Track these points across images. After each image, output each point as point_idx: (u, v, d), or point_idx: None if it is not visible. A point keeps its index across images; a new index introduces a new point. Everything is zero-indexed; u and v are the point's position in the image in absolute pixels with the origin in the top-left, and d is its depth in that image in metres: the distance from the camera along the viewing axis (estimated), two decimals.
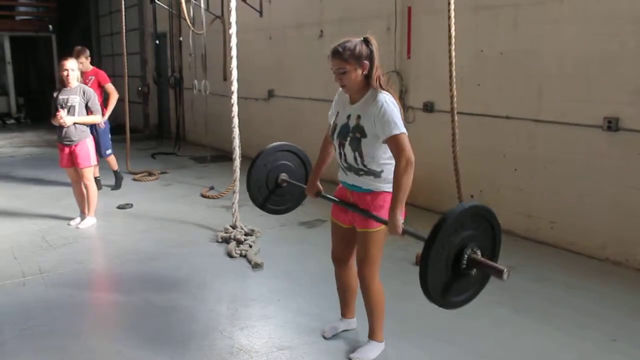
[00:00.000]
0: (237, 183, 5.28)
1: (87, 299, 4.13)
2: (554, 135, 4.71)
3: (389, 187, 2.84)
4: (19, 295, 4.00)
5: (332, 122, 3.00)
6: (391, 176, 2.80)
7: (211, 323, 3.54)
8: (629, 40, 4.14)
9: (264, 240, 5.05)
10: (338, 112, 2.97)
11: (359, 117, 2.81)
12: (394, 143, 2.71)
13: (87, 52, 6.80)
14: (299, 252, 4.84)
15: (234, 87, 5.03)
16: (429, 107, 5.82)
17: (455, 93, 4.22)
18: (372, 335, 3.09)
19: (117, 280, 4.40)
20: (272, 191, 3.49)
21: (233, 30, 4.90)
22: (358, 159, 2.82)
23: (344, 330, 3.37)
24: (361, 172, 2.86)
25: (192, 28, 8.13)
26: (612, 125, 4.27)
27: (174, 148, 9.82)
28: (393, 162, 2.79)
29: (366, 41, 2.75)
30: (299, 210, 5.82)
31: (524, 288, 4.01)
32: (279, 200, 3.54)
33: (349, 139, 2.84)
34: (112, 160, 7.06)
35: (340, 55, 2.73)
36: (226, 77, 9.18)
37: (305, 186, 3.34)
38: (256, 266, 4.42)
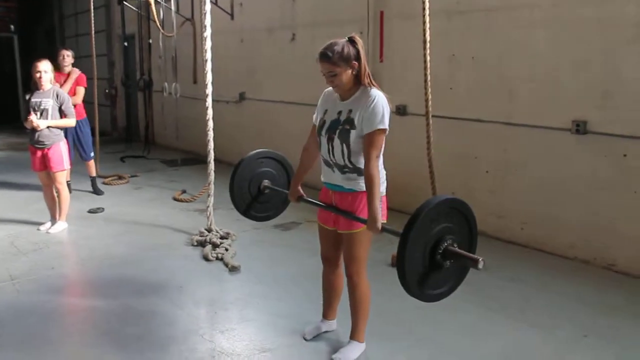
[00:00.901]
0: (212, 186, 5.26)
1: (62, 305, 4.06)
2: (525, 138, 4.83)
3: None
4: None
5: (319, 120, 3.02)
6: None
7: (191, 327, 3.53)
8: (597, 45, 4.28)
9: (239, 243, 5.04)
10: (327, 110, 2.99)
11: (350, 111, 2.85)
12: (372, 137, 2.75)
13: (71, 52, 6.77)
14: (274, 255, 4.85)
15: (209, 90, 5.02)
16: (401, 111, 5.89)
17: (430, 97, 4.30)
18: (354, 336, 3.12)
19: (92, 286, 4.33)
20: (255, 198, 3.51)
21: (208, 33, 4.89)
22: (345, 152, 2.85)
23: (325, 332, 3.39)
24: (346, 170, 2.89)
25: (162, 30, 8.06)
26: (580, 128, 4.40)
27: (144, 151, 9.70)
28: (379, 164, 2.85)
29: (352, 41, 2.79)
30: None
31: (497, 287, 4.10)
32: (261, 207, 3.56)
33: (338, 131, 2.86)
34: (92, 165, 6.98)
35: (329, 58, 2.76)
36: (196, 79, 9.14)
37: (287, 192, 3.35)
38: (233, 269, 4.42)
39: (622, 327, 3.49)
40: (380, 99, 2.78)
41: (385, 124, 2.77)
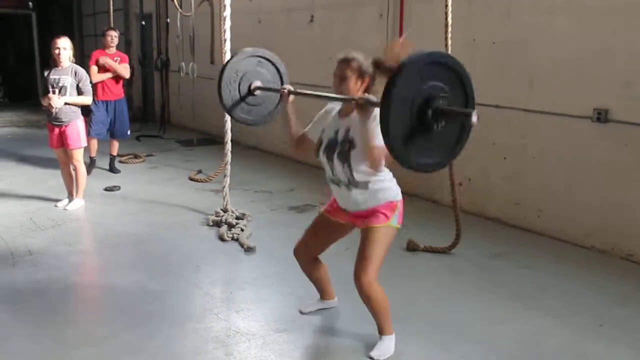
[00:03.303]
0: (228, 167, 5.28)
1: (79, 282, 4.12)
2: (544, 125, 4.78)
3: (383, 199, 2.89)
4: (9, 277, 3.95)
5: (317, 140, 3.02)
6: (381, 186, 2.88)
7: (207, 306, 3.56)
8: (622, 33, 4.20)
9: (255, 224, 5.06)
10: (324, 129, 3.00)
11: (347, 129, 2.85)
12: (371, 151, 2.69)
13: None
14: (290, 236, 4.76)
15: None
16: None
17: None
18: (382, 332, 3.04)
19: (109, 263, 4.38)
20: (244, 98, 3.39)
21: (227, 12, 4.87)
22: (347, 171, 2.85)
23: (323, 309, 3.45)
24: (351, 186, 2.89)
25: (179, 10, 8.04)
26: (601, 116, 4.35)
27: (159, 131, 9.72)
28: (381, 175, 2.86)
29: (375, 62, 2.78)
30: (289, 196, 5.97)
31: (512, 274, 4.10)
32: (248, 109, 3.43)
33: (337, 151, 2.87)
34: (117, 144, 7.08)
35: (347, 62, 2.82)
36: (213, 60, 9.11)
37: (277, 92, 3.27)
38: (249, 250, 4.44)
39: (638, 318, 3.47)
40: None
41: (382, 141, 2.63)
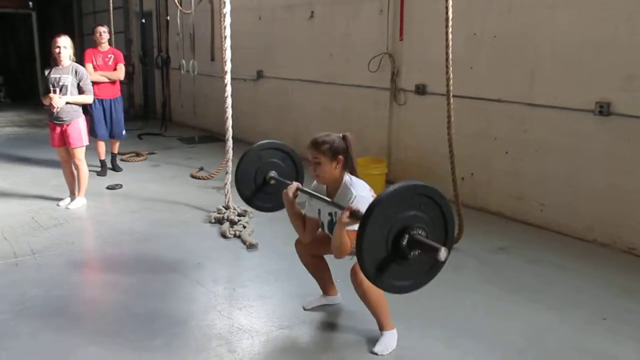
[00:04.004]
0: (230, 164, 5.27)
1: (82, 280, 4.13)
2: (546, 119, 4.77)
3: None
4: (12, 276, 3.97)
5: (315, 217, 3.12)
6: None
7: (210, 303, 3.57)
8: (623, 26, 4.19)
9: (256, 221, 5.05)
10: (319, 210, 3.09)
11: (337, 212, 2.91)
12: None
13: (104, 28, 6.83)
14: (291, 234, 4.77)
15: (228, 67, 5.01)
16: (420, 90, 5.84)
17: (451, 76, 4.24)
18: (382, 327, 3.06)
19: (112, 261, 4.38)
20: (260, 188, 3.54)
21: (227, 9, 4.86)
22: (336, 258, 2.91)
23: (325, 305, 3.45)
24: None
25: (179, 7, 8.03)
26: (603, 109, 4.33)
27: (160, 129, 9.73)
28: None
29: (344, 138, 2.93)
30: None
31: (516, 268, 4.09)
32: (266, 197, 3.59)
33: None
34: (117, 142, 7.06)
35: (317, 146, 2.92)
36: (214, 57, 9.12)
37: (287, 182, 3.37)
38: (251, 247, 4.44)
39: None
40: (361, 194, 2.83)
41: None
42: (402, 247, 2.39)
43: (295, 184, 3.17)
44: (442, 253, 2.33)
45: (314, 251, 3.32)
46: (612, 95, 4.31)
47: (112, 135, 6.90)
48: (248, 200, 3.58)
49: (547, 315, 3.41)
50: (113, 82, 6.74)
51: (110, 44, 6.94)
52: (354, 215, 2.63)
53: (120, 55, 6.89)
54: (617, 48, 4.24)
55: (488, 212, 5.27)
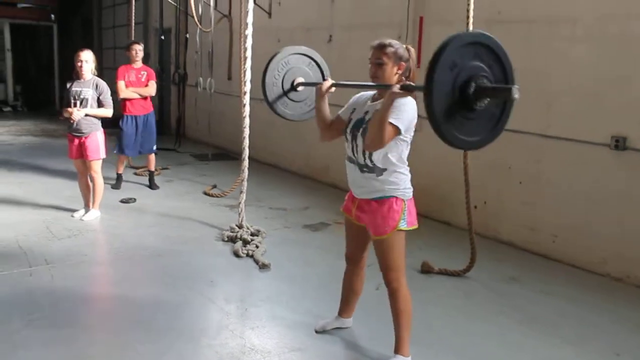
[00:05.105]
0: (245, 183, 5.31)
1: (95, 292, 4.16)
2: (561, 151, 4.79)
3: (393, 191, 2.92)
4: (25, 286, 4.00)
5: (347, 119, 3.07)
6: (396, 177, 2.92)
7: (222, 322, 3.57)
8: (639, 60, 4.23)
9: (269, 241, 5.07)
10: (355, 109, 3.06)
11: (377, 111, 2.87)
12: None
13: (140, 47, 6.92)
14: (304, 255, 4.88)
15: (247, 88, 5.07)
16: None
17: None
18: (398, 350, 3.06)
19: (125, 275, 4.40)
20: (286, 93, 3.48)
21: (249, 31, 4.94)
22: (367, 151, 2.89)
23: (337, 328, 3.45)
24: (365, 169, 2.93)
25: (199, 25, 8.16)
26: (619, 144, 4.35)
27: (175, 144, 9.81)
28: (399, 166, 2.92)
29: (407, 49, 2.95)
30: (303, 214, 5.99)
31: (528, 300, 4.08)
32: (291, 104, 3.52)
33: (362, 129, 2.92)
34: (153, 158, 7.08)
35: (383, 47, 2.88)
36: (231, 76, 9.22)
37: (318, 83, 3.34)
38: (263, 267, 4.45)
39: None
40: (409, 102, 2.81)
41: (399, 123, 2.75)
42: (469, 96, 2.36)
43: (330, 80, 3.18)
44: (515, 91, 2.33)
45: (354, 253, 3.27)
46: (628, 130, 4.32)
47: (142, 151, 6.93)
48: (272, 105, 3.47)
49: (560, 347, 3.40)
50: (145, 98, 6.80)
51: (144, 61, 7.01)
52: (406, 87, 2.64)
53: (153, 73, 6.96)
54: (635, 83, 4.26)
55: (499, 242, 5.26)
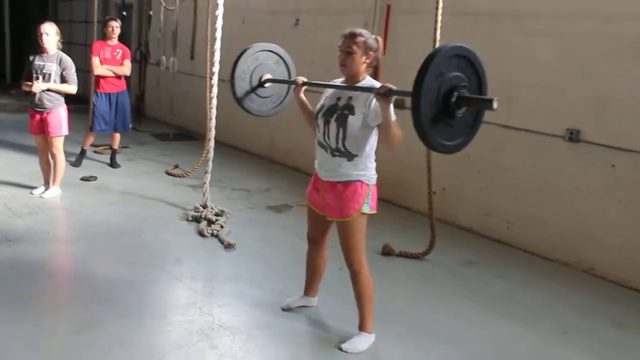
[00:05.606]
0: (210, 163, 5.33)
1: (60, 270, 4.14)
2: (519, 142, 4.99)
3: (360, 176, 3.03)
4: None
5: (318, 105, 3.16)
6: (364, 164, 3.02)
7: (189, 299, 3.63)
8: (597, 59, 4.43)
9: (233, 222, 5.12)
10: (326, 97, 3.16)
11: (350, 97, 3.01)
12: None
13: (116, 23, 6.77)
14: (267, 235, 4.95)
15: (216, 69, 5.08)
16: (399, 104, 6.00)
17: None
18: (362, 327, 3.19)
19: (89, 252, 4.37)
20: (254, 89, 3.57)
21: (220, 11, 4.94)
22: (340, 136, 2.99)
23: (302, 306, 3.56)
24: (336, 153, 3.02)
25: (163, 3, 8.05)
26: (573, 136, 4.57)
27: (134, 123, 9.65)
28: (370, 154, 3.04)
29: (377, 39, 3.05)
30: (266, 196, 6.05)
31: (483, 282, 4.28)
32: (258, 100, 3.63)
33: (335, 115, 3.01)
34: (119, 137, 6.99)
35: (354, 37, 2.97)
36: (194, 55, 9.13)
37: (287, 83, 3.52)
38: (229, 246, 4.51)
39: (598, 326, 3.70)
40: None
41: (394, 116, 2.92)
42: (450, 105, 2.55)
43: (301, 78, 3.31)
44: (495, 102, 2.54)
45: (316, 236, 3.37)
46: (583, 123, 4.54)
47: (117, 129, 6.83)
48: (240, 101, 3.57)
49: (514, 327, 3.59)
50: (119, 76, 6.69)
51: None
52: (389, 92, 2.75)
53: (129, 51, 6.86)
54: (591, 79, 4.47)
55: (458, 227, 5.45)
